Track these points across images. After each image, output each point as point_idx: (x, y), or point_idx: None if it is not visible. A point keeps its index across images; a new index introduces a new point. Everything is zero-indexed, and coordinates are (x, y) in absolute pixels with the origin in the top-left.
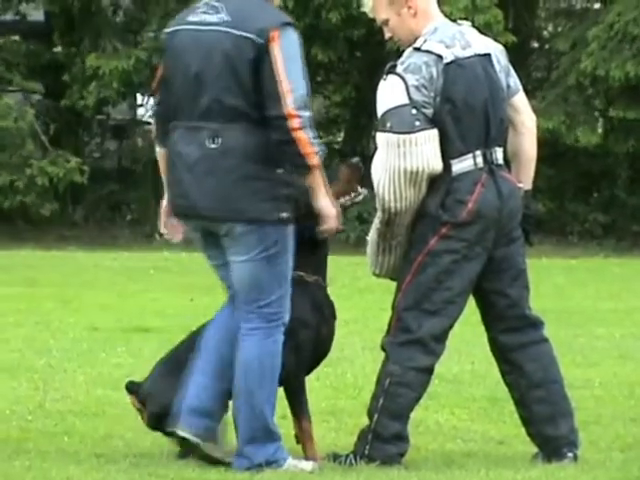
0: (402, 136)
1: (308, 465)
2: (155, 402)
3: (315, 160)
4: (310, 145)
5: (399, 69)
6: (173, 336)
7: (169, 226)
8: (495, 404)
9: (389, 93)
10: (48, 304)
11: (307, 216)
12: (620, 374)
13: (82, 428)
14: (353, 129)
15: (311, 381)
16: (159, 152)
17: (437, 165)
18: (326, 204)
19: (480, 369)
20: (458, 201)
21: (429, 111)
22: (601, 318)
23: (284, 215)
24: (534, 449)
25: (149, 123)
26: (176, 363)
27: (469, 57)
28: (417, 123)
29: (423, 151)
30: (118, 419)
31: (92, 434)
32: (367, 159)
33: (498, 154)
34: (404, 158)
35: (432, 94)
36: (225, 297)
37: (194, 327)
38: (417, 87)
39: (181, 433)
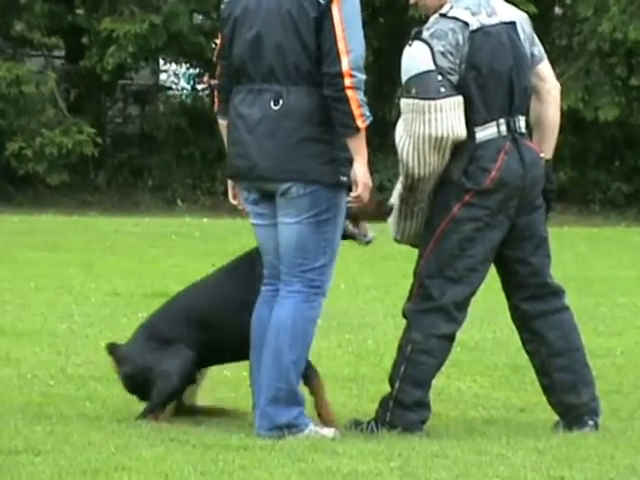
0: (427, 102)
1: (330, 432)
2: (128, 364)
3: (362, 123)
4: (360, 107)
5: (425, 35)
6: None
7: (238, 197)
8: (517, 372)
9: (414, 59)
10: (70, 269)
11: None
12: None
13: (104, 393)
14: (375, 96)
15: (333, 349)
16: (222, 124)
17: (461, 132)
18: (363, 171)
19: (502, 337)
20: (481, 169)
21: (454, 78)
22: (623, 287)
23: (342, 178)
24: (555, 417)
25: (171, 88)
26: (151, 330)
27: (495, 25)
28: (442, 89)
29: (448, 117)
30: None
31: (114, 399)
32: (389, 125)
33: (521, 122)
34: (429, 124)
35: (457, 61)
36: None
37: None
38: (443, 53)
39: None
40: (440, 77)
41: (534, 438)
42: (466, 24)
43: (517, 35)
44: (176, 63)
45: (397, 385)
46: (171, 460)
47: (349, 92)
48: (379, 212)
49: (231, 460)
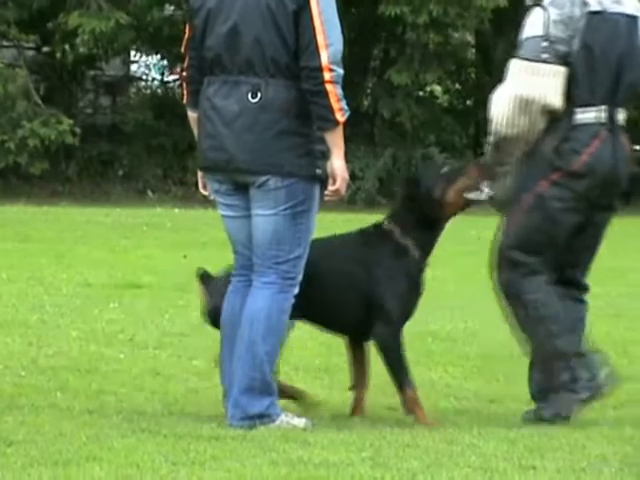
0: (526, 63)
1: (301, 421)
2: (218, 297)
3: (342, 116)
4: (339, 100)
5: (545, 2)
6: (166, 292)
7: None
8: (488, 362)
9: (530, 24)
10: (41, 260)
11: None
12: (614, 333)
13: (75, 384)
14: (348, 86)
15: (304, 339)
16: (191, 116)
17: (554, 101)
18: (341, 164)
19: (474, 327)
20: (573, 150)
21: (563, 48)
22: (597, 276)
23: (318, 171)
24: (525, 407)
25: (142, 79)
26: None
27: (617, 13)
28: (545, 55)
29: (542, 83)
30: (111, 375)
31: (85, 390)
32: (361, 116)
33: (620, 115)
34: (522, 85)
35: (570, 32)
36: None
37: (187, 284)
38: (556, 22)
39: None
40: (546, 44)
41: (505, 428)
42: (585, 3)
43: (636, 30)
44: (147, 54)
45: (551, 346)
46: (142, 450)
47: (328, 86)
48: (481, 170)
49: (203, 450)
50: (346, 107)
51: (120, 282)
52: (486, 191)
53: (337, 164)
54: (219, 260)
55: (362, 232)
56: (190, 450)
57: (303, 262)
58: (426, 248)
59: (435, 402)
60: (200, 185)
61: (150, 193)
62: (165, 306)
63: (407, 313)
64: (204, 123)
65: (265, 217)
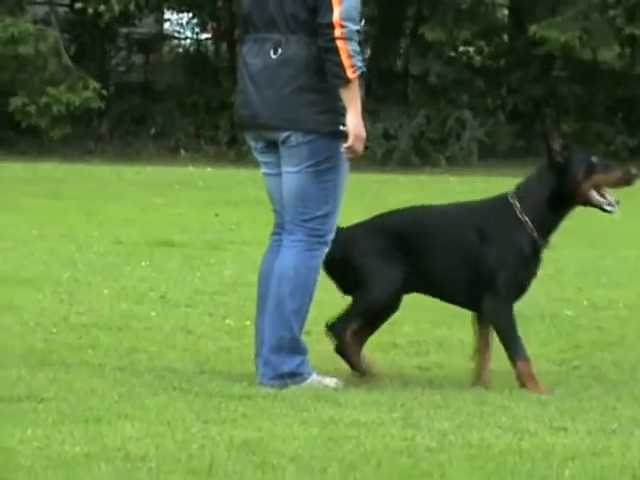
0: None
1: (332, 381)
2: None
3: (352, 74)
4: (350, 57)
5: None
6: (197, 251)
7: None
8: (520, 323)
9: None
10: (73, 217)
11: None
12: None
13: (106, 341)
14: (379, 47)
15: (336, 299)
16: None
17: None
18: (356, 122)
19: None
20: None
21: None
22: (628, 240)
23: (341, 128)
24: (557, 368)
25: (175, 37)
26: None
27: None
28: None
29: None
30: (142, 333)
31: (116, 347)
32: (393, 76)
33: None
34: None
35: None
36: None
37: (218, 243)
38: None
39: None
40: None
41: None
42: None
43: None
44: (180, 12)
45: None
46: (174, 409)
47: (339, 43)
48: (624, 179)
49: (234, 409)
50: (359, 64)
51: (151, 240)
52: (617, 207)
53: (351, 121)
54: (251, 219)
55: (483, 202)
56: (221, 408)
57: (333, 219)
58: (544, 229)
59: (466, 363)
60: None
61: (182, 151)
62: (197, 264)
63: (517, 288)
64: (238, 80)
65: (290, 174)
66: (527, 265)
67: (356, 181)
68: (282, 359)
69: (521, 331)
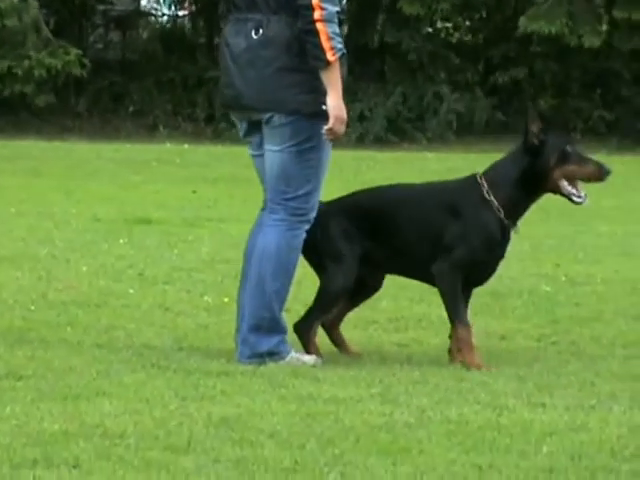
0: None
1: (311, 359)
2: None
3: (332, 56)
4: (329, 40)
5: None
6: (175, 228)
7: None
8: (497, 299)
9: None
10: (51, 195)
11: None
12: (622, 271)
13: (85, 319)
14: (357, 24)
15: (313, 275)
16: None
17: None
18: (337, 104)
19: None
20: None
21: None
22: (604, 215)
23: (323, 108)
24: (535, 344)
25: (152, 14)
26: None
27: None
28: None
29: None
30: (121, 310)
31: (94, 325)
32: (370, 53)
33: None
34: None
35: None
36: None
37: (196, 220)
38: None
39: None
40: None
41: (515, 365)
42: None
43: None
44: None
45: None
46: (152, 386)
47: (318, 25)
48: (596, 174)
49: (212, 385)
50: (339, 46)
51: (129, 217)
52: (586, 199)
53: (332, 103)
54: (229, 196)
55: (451, 182)
56: (199, 385)
57: (315, 199)
58: (511, 211)
59: (445, 339)
60: None
61: (161, 128)
62: (174, 241)
63: (473, 261)
64: (221, 60)
65: (272, 153)
66: (489, 244)
67: (333, 158)
68: (260, 339)
69: (498, 307)
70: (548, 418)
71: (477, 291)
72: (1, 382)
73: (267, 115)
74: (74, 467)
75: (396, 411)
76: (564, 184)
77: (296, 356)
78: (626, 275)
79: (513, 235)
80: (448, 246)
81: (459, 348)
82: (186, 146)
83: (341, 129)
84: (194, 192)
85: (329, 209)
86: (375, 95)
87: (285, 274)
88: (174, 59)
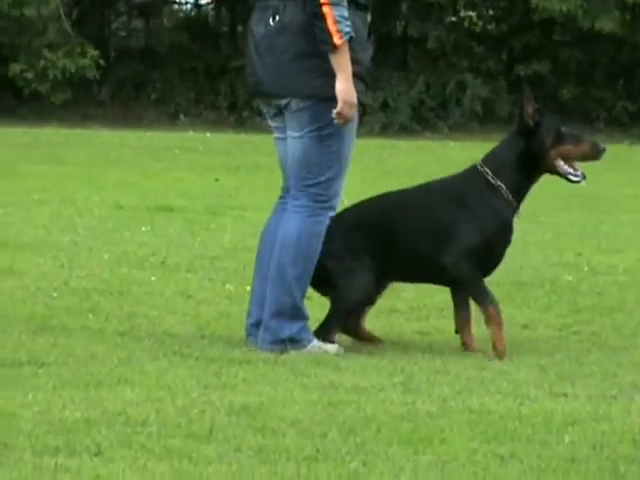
0: None
1: (333, 348)
2: None
3: (339, 40)
4: (336, 23)
5: None
6: (197, 216)
7: None
8: (519, 288)
9: None
10: (73, 182)
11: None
12: None
13: (107, 306)
14: (380, 11)
15: None
16: None
17: None
18: (345, 88)
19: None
20: None
21: None
22: (626, 205)
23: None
24: (557, 333)
25: (176, 2)
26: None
27: None
28: None
29: None
30: (142, 298)
31: (117, 312)
32: (393, 41)
33: None
34: None
35: None
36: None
37: (219, 208)
38: None
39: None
40: None
41: (537, 355)
42: None
43: None
44: None
45: None
46: (174, 373)
47: (325, 8)
48: (592, 152)
49: (234, 374)
50: (347, 29)
51: (152, 205)
52: (583, 178)
53: (340, 87)
54: (251, 184)
55: (453, 177)
56: (221, 373)
57: (337, 185)
58: (516, 192)
59: None
60: None
61: (182, 117)
62: (197, 229)
63: (485, 246)
64: (247, 49)
65: (294, 139)
66: (502, 228)
67: (356, 146)
68: (282, 325)
69: (520, 297)
70: (570, 408)
71: (499, 280)
72: (23, 369)
73: (285, 101)
74: (96, 455)
75: (418, 400)
76: (560, 164)
77: (318, 344)
78: None
79: (518, 221)
80: (460, 237)
81: (491, 327)
82: (208, 134)
83: (350, 113)
84: (216, 180)
85: (332, 228)
86: (398, 84)
87: (305, 260)
88: (197, 47)
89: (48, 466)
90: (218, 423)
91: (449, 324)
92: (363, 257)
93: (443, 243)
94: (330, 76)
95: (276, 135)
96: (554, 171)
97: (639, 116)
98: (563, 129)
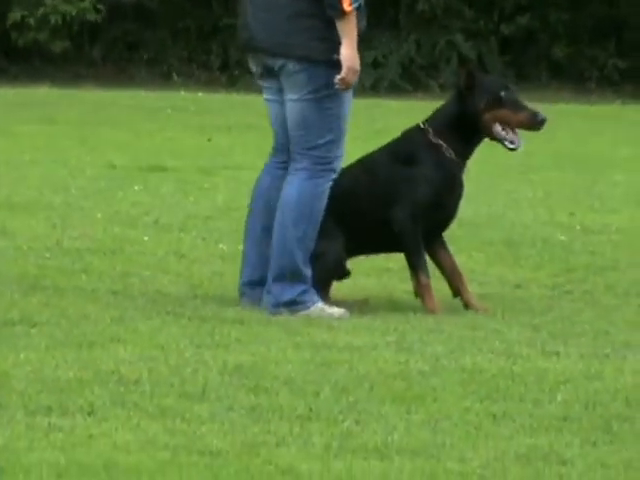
0: None
1: (338, 311)
2: None
3: (348, 6)
4: None
5: None
6: (190, 176)
7: None
8: (511, 247)
9: None
10: (66, 142)
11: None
12: (637, 220)
13: (99, 266)
14: None
15: None
16: None
17: None
18: (349, 54)
19: (497, 212)
20: None
21: None
22: (619, 165)
23: (336, 57)
24: (550, 292)
25: None
26: None
27: None
28: None
29: None
30: (135, 257)
31: (109, 272)
32: (385, 1)
33: None
34: None
35: None
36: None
37: (211, 168)
38: None
39: None
40: None
41: (529, 314)
42: None
43: None
44: None
45: None
46: (167, 333)
47: None
48: (532, 122)
49: (227, 333)
50: None
51: (144, 165)
52: (521, 145)
53: (345, 53)
54: (243, 144)
55: (395, 139)
56: (214, 333)
57: (338, 147)
58: (459, 151)
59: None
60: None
61: (175, 76)
62: (190, 189)
63: (432, 203)
64: (239, 2)
65: (292, 102)
66: (445, 183)
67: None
68: (283, 288)
69: (512, 256)
70: (562, 366)
71: (491, 239)
72: (15, 329)
73: (280, 63)
74: (89, 414)
75: (410, 359)
76: (497, 129)
77: (322, 307)
78: None
79: (465, 177)
80: (406, 192)
81: (419, 295)
82: (200, 94)
83: (353, 79)
84: (209, 140)
85: None
86: (389, 43)
87: (308, 221)
88: (189, 6)
89: (41, 425)
90: (211, 382)
91: (441, 283)
92: (331, 232)
93: (392, 203)
94: (327, 40)
95: (265, 96)
96: (490, 135)
97: (630, 74)
98: (503, 94)
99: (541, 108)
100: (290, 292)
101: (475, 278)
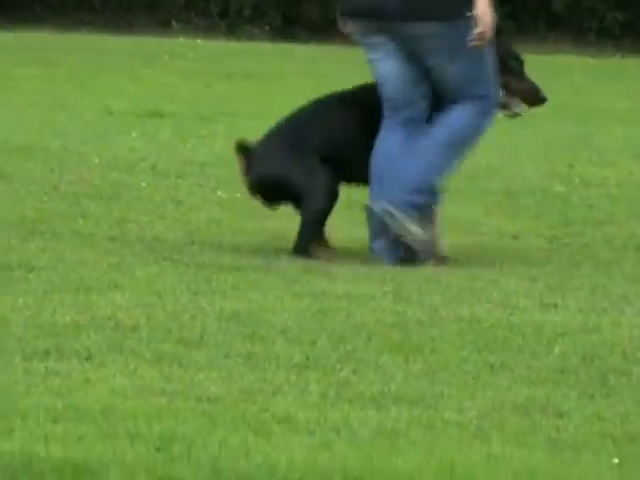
0: None
1: (419, 230)
2: (260, 167)
3: None
4: None
5: None
6: (188, 122)
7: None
8: (510, 198)
9: None
10: (64, 86)
11: None
12: (636, 173)
13: (97, 211)
14: None
15: None
16: None
17: None
18: (485, 9)
19: (495, 163)
20: None
21: None
22: (618, 117)
23: (467, 14)
24: (548, 245)
25: None
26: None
27: None
28: None
29: None
30: (133, 203)
31: (107, 217)
32: None
33: None
34: None
35: None
36: None
37: (209, 114)
38: None
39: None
40: None
41: (527, 265)
42: None
43: None
44: None
45: None
46: (164, 279)
47: None
48: (534, 96)
49: (224, 280)
50: None
51: (142, 110)
52: (518, 110)
53: (481, 8)
54: (242, 91)
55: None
56: (211, 280)
57: (495, 92)
58: None
59: (457, 238)
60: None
61: (174, 23)
62: (187, 135)
63: None
64: None
65: (440, 66)
66: None
67: (353, 51)
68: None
69: (511, 206)
70: (560, 319)
71: (489, 189)
72: (13, 273)
73: (418, 28)
74: (86, 359)
75: (408, 309)
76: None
77: (405, 225)
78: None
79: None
80: None
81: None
82: (199, 41)
83: (489, 34)
84: (207, 86)
85: (276, 141)
86: None
87: (457, 148)
88: None
89: (38, 370)
90: (208, 329)
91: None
92: (314, 161)
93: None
94: None
95: (374, 55)
96: None
97: (629, 27)
98: (512, 63)
99: (540, 60)
100: (404, 200)
101: (473, 229)
